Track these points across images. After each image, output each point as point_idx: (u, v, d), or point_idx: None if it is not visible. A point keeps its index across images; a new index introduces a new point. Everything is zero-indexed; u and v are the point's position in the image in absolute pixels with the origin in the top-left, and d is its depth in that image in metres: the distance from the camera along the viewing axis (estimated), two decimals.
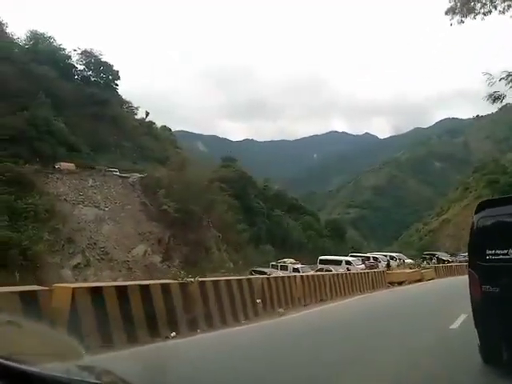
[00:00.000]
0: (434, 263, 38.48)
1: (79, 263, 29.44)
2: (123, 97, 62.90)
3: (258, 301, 10.32)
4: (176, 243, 37.11)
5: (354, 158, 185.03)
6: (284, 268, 28.34)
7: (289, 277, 13.42)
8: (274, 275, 13.13)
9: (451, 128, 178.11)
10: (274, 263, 31.90)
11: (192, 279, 8.51)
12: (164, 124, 73.10)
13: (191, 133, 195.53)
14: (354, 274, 18.56)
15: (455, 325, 8.87)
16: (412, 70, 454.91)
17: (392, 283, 21.29)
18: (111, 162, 45.49)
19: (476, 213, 5.46)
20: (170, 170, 43.38)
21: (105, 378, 1.39)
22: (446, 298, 14.56)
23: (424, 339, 7.51)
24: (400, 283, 21.95)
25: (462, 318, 9.39)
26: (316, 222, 68.28)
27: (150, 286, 7.85)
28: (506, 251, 4.92)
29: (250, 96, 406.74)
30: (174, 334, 7.60)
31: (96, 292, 6.82)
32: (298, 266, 28.25)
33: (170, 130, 73.56)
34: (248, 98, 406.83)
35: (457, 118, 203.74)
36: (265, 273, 20.26)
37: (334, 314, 11.82)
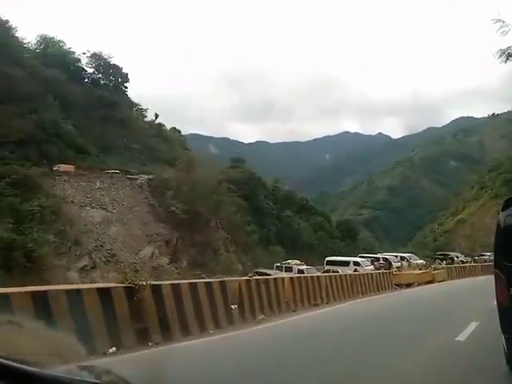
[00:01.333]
0: (458, 262, 37.55)
1: (86, 265, 29.29)
2: (133, 99, 63.20)
3: (233, 306, 9.17)
4: (184, 245, 36.85)
5: (367, 159, 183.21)
6: (289, 269, 27.39)
7: (275, 279, 11.95)
8: (256, 277, 11.36)
9: (465, 127, 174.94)
10: (278, 264, 30.99)
11: (143, 282, 7.30)
12: (174, 126, 73.35)
13: (203, 135, 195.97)
14: (355, 275, 17.29)
15: (462, 336, 7.61)
16: (425, 69, 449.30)
17: (399, 285, 20.22)
18: (120, 164, 45.54)
19: (503, 210, 5.23)
20: (178, 171, 43.20)
21: (105, 377, 1.38)
22: (456, 302, 13.42)
23: (418, 358, 6.12)
24: (408, 285, 20.90)
25: (472, 327, 8.36)
26: (327, 222, 67.35)
27: (81, 290, 6.61)
28: None
29: (261, 97, 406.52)
30: (113, 349, 6.44)
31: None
32: (303, 267, 27.36)
33: (180, 131, 73.51)
34: (260, 100, 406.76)
35: (471, 117, 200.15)
36: (269, 274, 19.63)
37: (322, 322, 10.32)
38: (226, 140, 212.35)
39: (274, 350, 6.75)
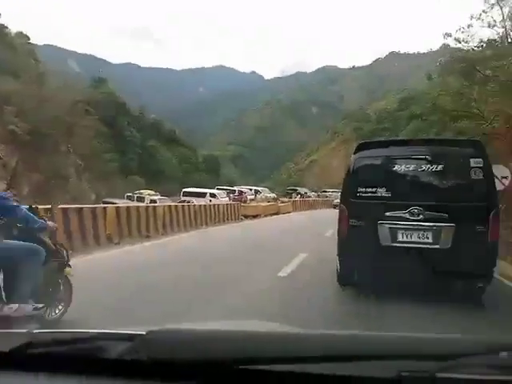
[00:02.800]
0: (322, 196, 43.38)
1: None
2: None
3: None
4: (26, 169, 32.80)
5: (240, 96, 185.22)
6: (141, 199, 26.45)
7: (93, 209, 10.40)
8: (63, 207, 9.10)
9: (330, 76, 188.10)
10: (130, 194, 29.55)
11: None
12: (21, 31, 62.11)
13: (62, 48, 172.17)
14: (201, 206, 17.04)
15: (285, 271, 7.24)
16: (302, 12, 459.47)
17: (246, 216, 21.18)
18: None
19: (355, 153, 5.80)
20: (24, 84, 37.34)
21: None
22: (291, 234, 13.97)
23: (232, 294, 5.75)
24: (254, 216, 22.05)
25: (298, 260, 8.23)
26: (193, 156, 67.24)
27: None
28: (374, 189, 5.44)
29: (138, 16, 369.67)
30: None
31: None
32: (157, 197, 26.85)
33: (28, 37, 62.71)
34: (135, 19, 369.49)
35: (336, 67, 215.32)
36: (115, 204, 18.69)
37: (137, 256, 9.26)
38: (90, 57, 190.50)
39: None
